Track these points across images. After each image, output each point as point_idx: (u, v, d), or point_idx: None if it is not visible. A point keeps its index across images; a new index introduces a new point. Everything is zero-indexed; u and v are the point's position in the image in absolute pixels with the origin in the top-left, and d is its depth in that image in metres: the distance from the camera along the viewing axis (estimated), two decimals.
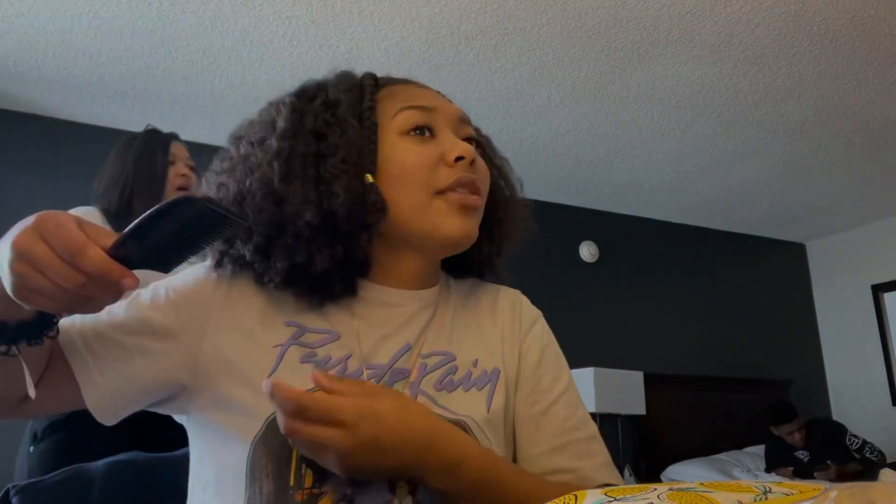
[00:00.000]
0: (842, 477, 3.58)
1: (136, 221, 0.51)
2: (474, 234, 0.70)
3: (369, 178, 0.66)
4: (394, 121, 0.69)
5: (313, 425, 0.54)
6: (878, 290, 4.78)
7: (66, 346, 0.64)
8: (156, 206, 0.50)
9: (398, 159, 0.67)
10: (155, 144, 1.81)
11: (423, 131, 0.69)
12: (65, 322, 0.66)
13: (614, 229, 4.54)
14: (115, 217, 1.63)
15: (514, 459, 0.73)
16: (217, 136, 3.34)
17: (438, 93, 0.76)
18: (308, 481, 0.61)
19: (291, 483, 0.61)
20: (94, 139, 3.25)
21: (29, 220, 0.51)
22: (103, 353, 0.65)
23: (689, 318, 4.62)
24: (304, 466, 0.61)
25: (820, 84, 3.00)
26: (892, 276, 4.70)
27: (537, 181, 4.02)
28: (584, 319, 4.12)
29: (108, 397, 0.65)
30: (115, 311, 0.67)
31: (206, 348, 0.66)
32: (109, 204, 1.68)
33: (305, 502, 0.60)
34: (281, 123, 0.67)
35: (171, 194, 1.68)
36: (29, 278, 0.49)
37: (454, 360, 0.71)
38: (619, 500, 0.38)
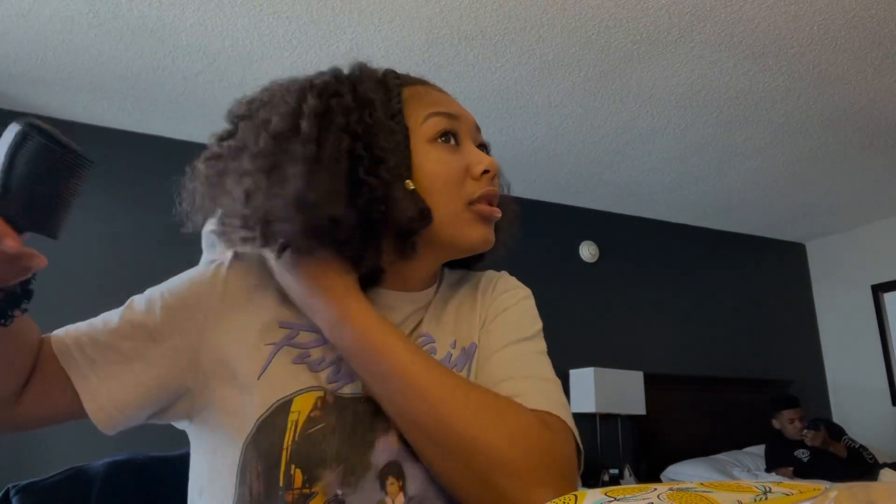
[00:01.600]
0: (825, 444, 3.68)
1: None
2: (493, 241, 0.72)
3: (410, 184, 0.65)
4: (423, 126, 0.68)
5: None
6: (878, 290, 4.78)
7: (61, 353, 0.63)
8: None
9: (430, 169, 0.67)
10: None
11: (449, 138, 0.69)
12: (58, 331, 0.65)
13: (614, 229, 4.54)
14: None
15: None
16: None
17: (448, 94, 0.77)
18: (298, 482, 0.60)
19: (281, 483, 0.60)
20: (94, 139, 3.25)
21: None
22: (100, 359, 0.64)
23: (689, 318, 4.62)
24: (293, 466, 0.60)
25: (820, 84, 3.00)
26: (892, 276, 4.70)
27: (537, 181, 4.02)
28: (584, 319, 4.12)
29: (107, 404, 0.63)
30: (110, 317, 0.67)
31: (204, 348, 0.66)
32: None
33: (295, 503, 0.60)
34: (305, 126, 0.62)
35: None
36: None
37: (433, 342, 0.72)
38: (619, 500, 0.38)
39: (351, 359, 0.64)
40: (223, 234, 0.66)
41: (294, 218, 0.60)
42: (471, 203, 0.69)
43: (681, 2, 2.44)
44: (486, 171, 0.69)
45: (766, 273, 5.11)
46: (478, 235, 0.69)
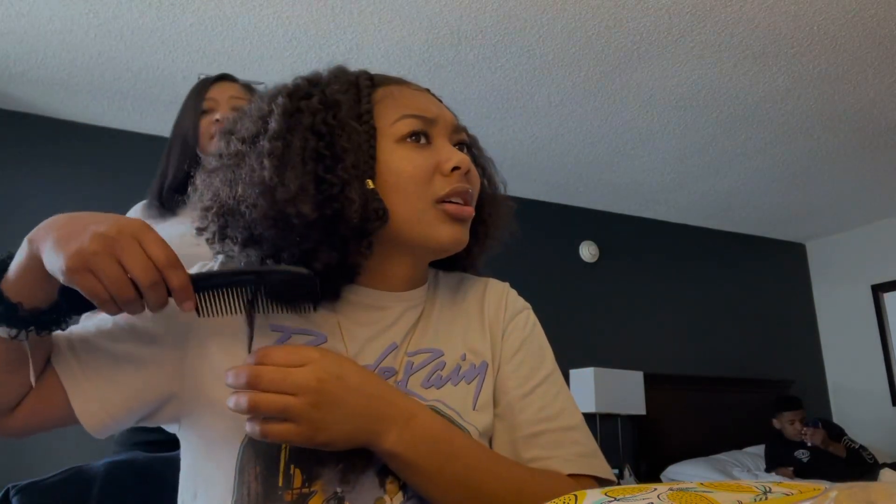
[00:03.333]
0: (825, 443, 3.70)
1: (209, 273, 0.60)
2: (465, 241, 0.70)
3: (370, 183, 0.65)
4: (393, 127, 0.68)
5: (270, 395, 0.56)
6: (878, 290, 4.78)
7: (54, 355, 0.64)
8: (234, 269, 0.58)
9: (395, 167, 0.66)
10: (189, 95, 1.53)
11: (419, 137, 0.69)
12: (53, 334, 0.65)
13: (614, 229, 4.54)
14: (159, 202, 1.44)
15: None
16: None
17: (431, 94, 0.75)
18: (297, 481, 0.61)
19: (280, 483, 0.61)
20: (94, 139, 3.25)
21: (100, 225, 0.54)
22: (91, 360, 0.64)
23: (689, 318, 4.62)
24: (292, 466, 0.61)
25: (820, 84, 3.00)
26: (892, 276, 4.70)
27: (537, 181, 4.02)
28: (584, 319, 4.12)
29: (97, 406, 0.63)
30: (103, 319, 0.66)
31: (191, 353, 0.66)
32: (152, 188, 1.49)
33: (295, 502, 0.60)
34: (273, 124, 0.65)
35: (205, 147, 1.44)
36: (87, 283, 0.54)
37: (442, 355, 0.71)
38: (619, 500, 0.38)
39: (415, 453, 0.60)
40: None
41: (256, 202, 0.62)
42: (438, 201, 0.67)
43: (681, 2, 2.44)
44: (456, 168, 0.68)
45: (766, 273, 5.11)
46: (446, 235, 0.68)
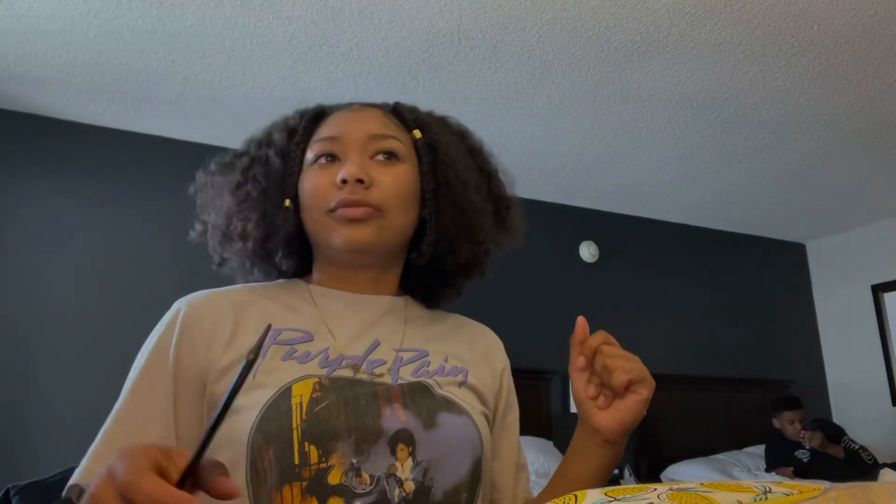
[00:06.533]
0: (823, 445, 3.71)
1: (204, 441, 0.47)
2: (363, 240, 0.75)
3: (287, 202, 0.78)
4: (308, 154, 0.79)
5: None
6: (878, 290, 4.78)
7: None
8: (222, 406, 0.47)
9: (304, 187, 0.78)
10: None
11: (326, 158, 0.78)
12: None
13: (614, 229, 4.54)
14: None
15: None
16: (217, 136, 3.34)
17: (362, 107, 0.82)
18: (314, 457, 0.63)
19: (297, 462, 0.63)
20: (93, 139, 3.25)
21: (115, 466, 0.46)
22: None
23: (689, 318, 4.62)
24: (307, 444, 0.63)
25: (820, 84, 3.00)
26: (892, 276, 4.71)
27: (537, 181, 4.02)
28: None
29: None
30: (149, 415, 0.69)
31: (205, 369, 0.70)
32: None
33: (314, 478, 0.63)
34: (238, 173, 0.81)
35: None
36: None
37: (427, 355, 0.78)
38: (619, 500, 0.38)
39: None
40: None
41: (220, 226, 0.80)
42: (330, 211, 0.75)
43: (681, 2, 2.44)
44: (342, 181, 0.75)
45: (766, 273, 5.11)
46: (339, 238, 0.75)
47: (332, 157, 0.78)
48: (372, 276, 0.81)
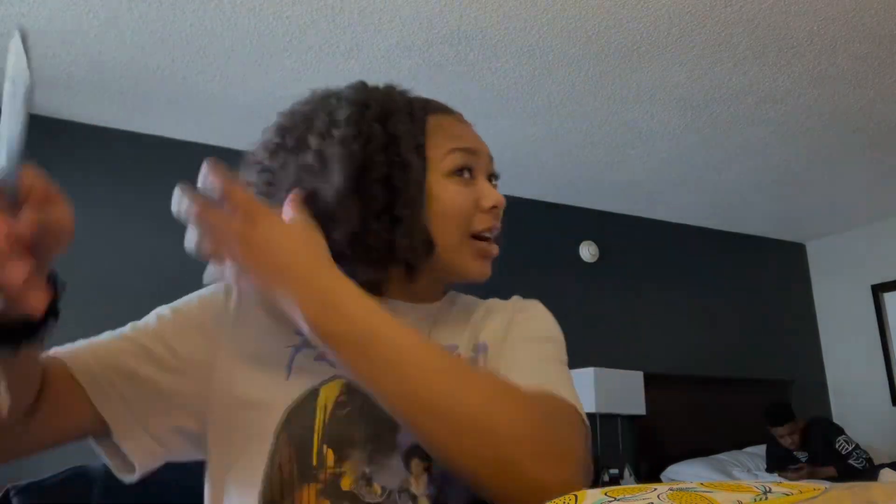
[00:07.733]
0: (812, 476, 3.62)
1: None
2: (488, 275, 0.75)
3: (423, 214, 0.70)
4: (444, 161, 0.72)
5: (222, 213, 0.56)
6: (878, 290, 4.78)
7: (88, 383, 0.64)
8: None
9: (446, 199, 0.71)
10: None
11: (464, 172, 0.73)
12: (72, 352, 0.66)
13: (614, 229, 4.54)
14: None
15: None
16: (217, 136, 3.34)
17: (466, 122, 0.78)
18: (330, 461, 0.64)
19: (314, 463, 0.63)
20: (93, 139, 3.25)
21: None
22: (134, 396, 0.66)
23: (689, 318, 4.62)
24: (325, 447, 0.64)
25: (820, 84, 3.00)
26: (892, 276, 4.71)
27: (537, 181, 4.02)
28: (584, 319, 4.12)
29: (145, 443, 0.66)
30: (127, 346, 0.68)
31: (221, 357, 0.69)
32: None
33: (328, 480, 0.63)
34: (341, 170, 0.67)
35: None
36: None
37: (457, 348, 0.73)
38: (619, 500, 0.38)
39: (340, 345, 0.56)
40: None
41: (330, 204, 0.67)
42: (474, 236, 0.72)
43: (681, 2, 2.44)
44: (494, 207, 0.73)
45: (766, 273, 5.11)
46: (475, 269, 0.73)
47: (469, 173, 0.73)
48: (432, 291, 0.78)
